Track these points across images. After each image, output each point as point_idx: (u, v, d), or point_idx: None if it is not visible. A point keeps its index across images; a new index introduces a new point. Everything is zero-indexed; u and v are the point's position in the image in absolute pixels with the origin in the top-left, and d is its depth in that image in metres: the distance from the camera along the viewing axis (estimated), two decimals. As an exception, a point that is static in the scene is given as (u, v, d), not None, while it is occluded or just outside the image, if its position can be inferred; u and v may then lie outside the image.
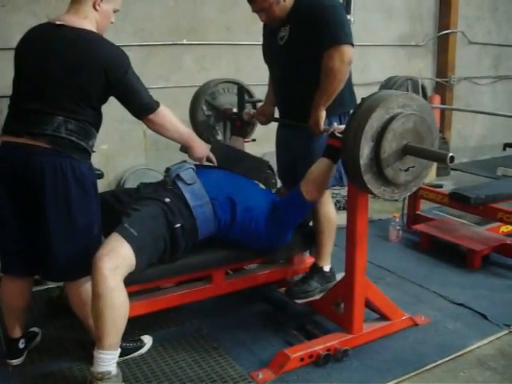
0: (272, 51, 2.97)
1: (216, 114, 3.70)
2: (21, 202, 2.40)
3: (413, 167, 2.40)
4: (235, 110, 3.57)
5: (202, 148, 2.85)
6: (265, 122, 3.34)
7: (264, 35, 3.14)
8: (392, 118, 2.29)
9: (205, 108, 3.68)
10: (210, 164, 2.99)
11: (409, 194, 2.61)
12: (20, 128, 2.35)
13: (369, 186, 2.36)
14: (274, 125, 3.24)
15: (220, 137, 3.64)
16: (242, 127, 3.48)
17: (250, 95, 3.75)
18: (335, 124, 2.68)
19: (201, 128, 3.65)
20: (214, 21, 5.29)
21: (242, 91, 3.63)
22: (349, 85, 2.93)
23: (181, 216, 2.66)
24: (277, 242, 2.94)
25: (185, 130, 2.74)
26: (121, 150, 4.98)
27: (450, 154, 2.18)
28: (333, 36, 2.68)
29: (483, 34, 7.38)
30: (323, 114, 2.79)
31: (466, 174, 6.85)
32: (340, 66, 2.67)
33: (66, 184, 2.34)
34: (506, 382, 2.62)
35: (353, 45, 2.71)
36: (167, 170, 2.89)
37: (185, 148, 2.83)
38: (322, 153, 2.74)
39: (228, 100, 3.70)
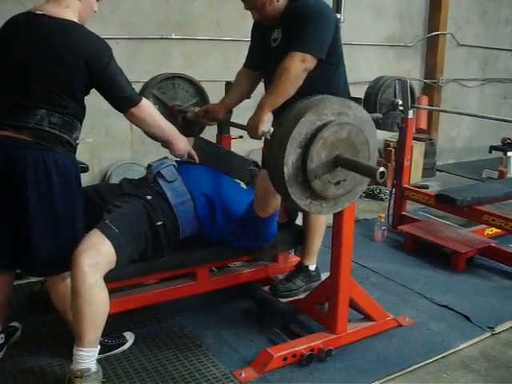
0: (265, 53, 2.92)
1: (163, 110, 3.37)
2: (2, 195, 2.34)
3: (344, 181, 2.17)
4: (183, 108, 3.36)
5: (183, 144, 2.81)
6: (208, 123, 3.24)
7: (254, 37, 3.10)
8: (324, 126, 2.05)
9: (152, 102, 3.28)
10: (192, 160, 2.96)
11: (339, 209, 2.34)
12: (3, 121, 2.30)
13: (293, 196, 2.11)
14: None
15: None
16: (187, 126, 3.27)
17: (202, 94, 3.53)
18: (271, 129, 2.48)
19: None
20: (204, 16, 5.27)
21: None
22: (344, 84, 2.95)
23: (162, 213, 2.64)
24: (259, 241, 2.93)
25: (166, 126, 2.70)
26: (106, 144, 4.95)
27: (381, 169, 1.98)
28: (301, 42, 2.62)
29: (472, 37, 7.43)
30: (265, 117, 2.64)
31: (452, 176, 6.95)
32: (296, 70, 2.59)
33: (48, 178, 2.31)
34: (489, 384, 2.63)
35: (320, 59, 2.64)
36: (149, 166, 2.86)
37: (166, 144, 2.80)
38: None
39: (177, 96, 3.44)
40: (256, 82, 3.16)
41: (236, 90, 3.18)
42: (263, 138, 2.60)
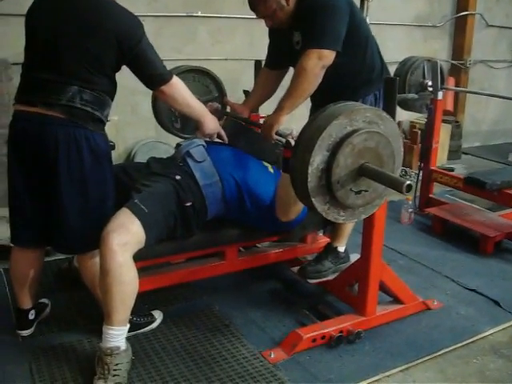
0: (290, 56, 2.87)
1: None
2: (33, 172, 2.35)
3: (366, 191, 2.14)
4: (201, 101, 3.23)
5: (213, 124, 2.78)
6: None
7: (272, 37, 3.05)
8: (354, 131, 2.02)
9: None
10: (221, 141, 2.93)
11: (355, 220, 2.32)
12: (34, 98, 2.29)
13: (313, 200, 2.07)
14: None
15: (178, 126, 3.36)
16: None
17: (219, 86, 3.45)
18: (294, 131, 2.45)
19: (161, 114, 3.31)
20: (230, -7, 5.20)
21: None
22: (380, 61, 2.92)
23: (192, 194, 2.62)
24: (287, 227, 2.90)
25: (196, 104, 2.67)
26: (132, 122, 4.93)
27: (407, 182, 1.95)
28: (317, 38, 2.59)
29: (501, 17, 7.25)
30: (283, 119, 2.66)
31: (478, 159, 6.86)
32: (314, 69, 2.57)
33: (80, 155, 2.30)
34: (519, 370, 2.60)
35: (337, 50, 2.61)
36: (177, 145, 2.84)
37: (196, 123, 2.77)
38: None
39: (196, 90, 3.30)
40: (278, 81, 3.15)
41: (258, 91, 3.18)
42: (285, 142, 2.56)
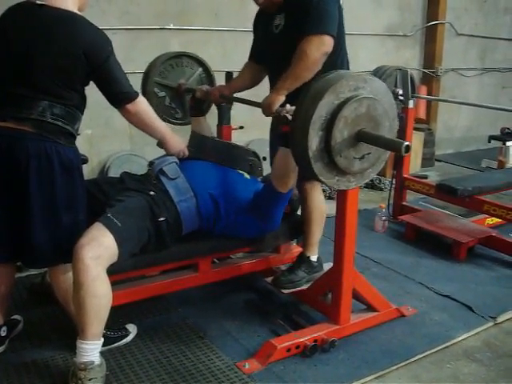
0: (267, 40, 2.89)
1: (170, 93, 3.40)
2: (3, 187, 2.33)
3: (369, 154, 2.20)
4: (190, 86, 3.37)
5: (177, 143, 2.79)
6: (217, 102, 3.26)
7: (256, 28, 3.07)
8: (343, 104, 2.07)
9: (157, 90, 3.35)
10: (194, 156, 2.93)
11: (366, 181, 2.38)
12: (4, 112, 2.28)
13: (321, 177, 2.17)
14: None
15: (180, 115, 3.40)
16: (196, 105, 3.27)
17: (203, 63, 3.51)
18: (288, 105, 2.46)
19: (159, 112, 3.15)
20: (202, 6, 5.23)
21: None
22: (347, 67, 2.93)
23: (165, 209, 2.63)
24: (269, 225, 2.91)
25: (160, 125, 2.67)
26: (105, 135, 4.91)
27: (406, 143, 2.01)
28: (317, 23, 2.57)
29: (470, 26, 7.39)
30: (282, 98, 2.62)
31: (451, 165, 6.95)
32: (315, 54, 2.54)
33: (50, 169, 2.29)
34: (492, 373, 2.63)
35: (334, 37, 2.59)
36: (150, 163, 2.84)
37: (160, 143, 2.78)
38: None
39: (180, 75, 3.37)
40: (259, 75, 3.15)
41: (241, 78, 3.20)
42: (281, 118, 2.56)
